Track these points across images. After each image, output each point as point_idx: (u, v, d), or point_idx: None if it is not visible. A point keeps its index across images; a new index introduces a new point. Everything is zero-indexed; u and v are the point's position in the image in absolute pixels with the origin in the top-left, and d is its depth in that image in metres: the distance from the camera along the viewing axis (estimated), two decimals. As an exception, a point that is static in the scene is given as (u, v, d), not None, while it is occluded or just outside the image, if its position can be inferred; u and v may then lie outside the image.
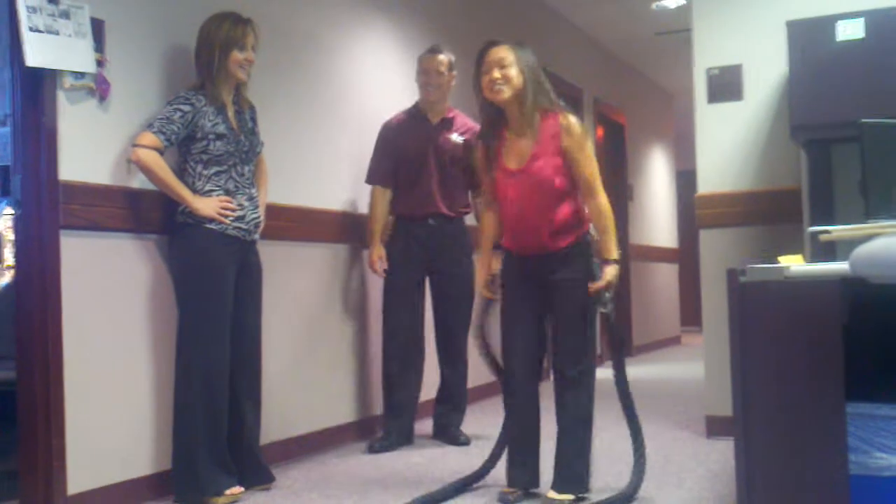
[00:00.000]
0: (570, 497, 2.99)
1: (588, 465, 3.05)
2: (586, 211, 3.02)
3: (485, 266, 3.19)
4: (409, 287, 4.15)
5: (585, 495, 3.03)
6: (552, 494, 2.99)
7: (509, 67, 2.93)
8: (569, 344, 3.01)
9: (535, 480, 3.12)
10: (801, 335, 2.06)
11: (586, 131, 3.02)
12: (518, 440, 3.12)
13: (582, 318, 2.99)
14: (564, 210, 2.97)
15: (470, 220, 4.31)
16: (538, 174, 2.93)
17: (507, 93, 2.92)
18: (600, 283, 2.95)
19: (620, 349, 3.14)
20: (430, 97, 4.16)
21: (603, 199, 2.98)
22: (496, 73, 2.92)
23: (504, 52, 2.95)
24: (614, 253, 2.96)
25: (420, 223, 4.13)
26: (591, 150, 2.99)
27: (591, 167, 2.97)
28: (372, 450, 4.00)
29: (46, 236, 2.90)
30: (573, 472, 3.00)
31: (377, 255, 4.12)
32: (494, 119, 3.03)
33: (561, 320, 3.02)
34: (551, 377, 3.25)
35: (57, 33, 2.89)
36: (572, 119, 2.97)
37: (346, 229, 4.33)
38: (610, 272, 2.95)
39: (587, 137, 3.00)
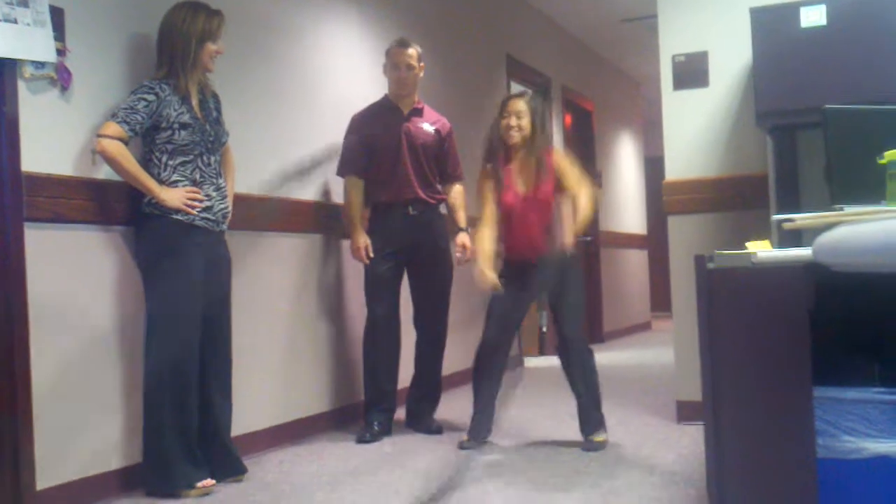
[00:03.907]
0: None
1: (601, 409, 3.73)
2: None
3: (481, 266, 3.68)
4: (391, 276, 4.14)
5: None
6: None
7: (524, 118, 3.69)
8: (572, 327, 3.68)
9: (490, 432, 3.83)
10: (768, 320, 2.08)
11: (570, 157, 3.90)
12: (483, 400, 3.78)
13: (580, 297, 3.77)
14: (555, 223, 3.68)
15: (442, 208, 4.32)
16: (543, 197, 3.68)
17: (516, 138, 3.70)
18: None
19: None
20: (403, 91, 4.15)
21: (589, 188, 3.76)
22: (513, 122, 3.69)
23: (522, 106, 3.71)
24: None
25: (400, 211, 4.11)
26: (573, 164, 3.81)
27: (576, 171, 3.76)
28: (362, 440, 3.98)
29: (10, 229, 2.84)
30: (598, 417, 3.69)
31: (363, 241, 4.08)
32: (500, 147, 3.75)
33: (564, 303, 3.70)
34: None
35: (15, 22, 2.83)
36: (561, 152, 4.00)
37: (318, 219, 4.31)
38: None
39: (571, 159, 3.86)
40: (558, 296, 3.70)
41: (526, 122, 3.70)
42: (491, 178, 3.75)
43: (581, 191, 3.68)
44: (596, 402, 3.71)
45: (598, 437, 3.66)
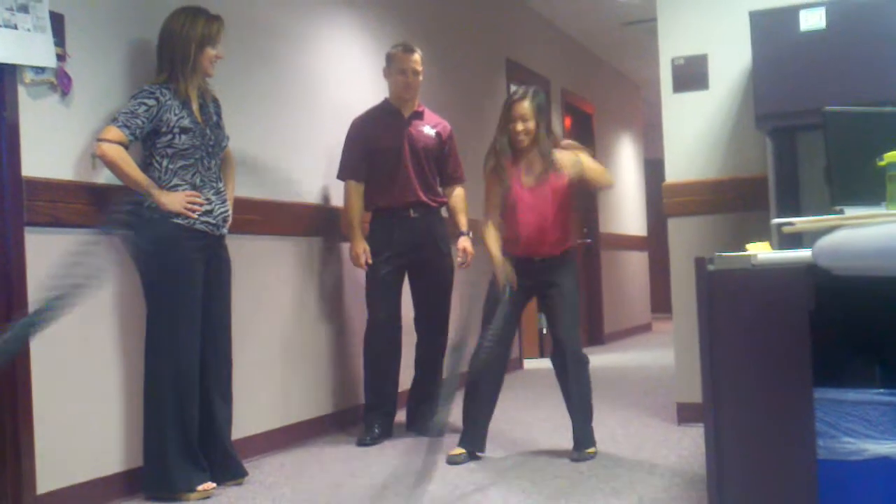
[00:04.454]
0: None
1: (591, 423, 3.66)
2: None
3: (499, 264, 3.62)
4: (392, 279, 4.14)
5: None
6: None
7: (529, 121, 3.60)
8: (568, 331, 3.58)
9: (482, 446, 3.67)
10: (768, 322, 2.08)
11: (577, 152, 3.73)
12: (474, 408, 3.64)
13: (575, 298, 3.66)
14: (563, 221, 3.63)
15: (443, 211, 4.32)
16: (549, 193, 3.60)
17: (527, 142, 3.62)
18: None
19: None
20: (407, 94, 4.16)
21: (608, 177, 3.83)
22: (520, 126, 3.60)
23: (525, 108, 3.61)
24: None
25: (401, 215, 4.11)
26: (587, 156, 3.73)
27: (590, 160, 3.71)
28: (363, 444, 3.98)
29: (10, 234, 2.85)
30: (588, 432, 3.61)
31: (362, 248, 4.09)
32: (507, 152, 3.66)
33: (559, 314, 3.60)
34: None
35: (15, 27, 2.84)
36: (566, 141, 3.79)
37: (319, 222, 4.31)
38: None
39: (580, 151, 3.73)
40: (552, 297, 3.63)
41: (532, 123, 3.61)
42: (496, 175, 3.67)
43: (584, 155, 3.66)
44: (587, 418, 3.62)
45: (588, 450, 3.57)
